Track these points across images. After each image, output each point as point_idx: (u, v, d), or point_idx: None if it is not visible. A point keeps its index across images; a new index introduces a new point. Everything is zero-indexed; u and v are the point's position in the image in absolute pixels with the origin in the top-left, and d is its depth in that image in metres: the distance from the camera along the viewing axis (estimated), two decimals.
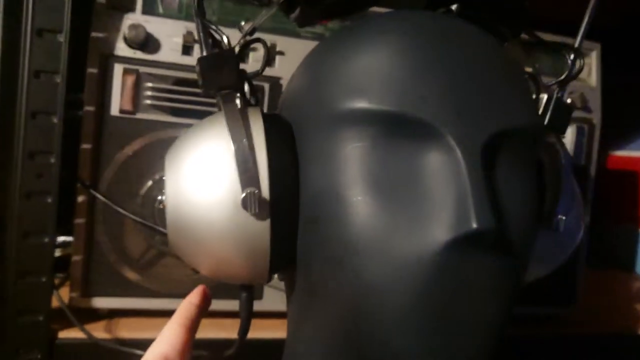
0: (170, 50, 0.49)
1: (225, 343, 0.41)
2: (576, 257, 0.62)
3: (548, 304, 0.62)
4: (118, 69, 0.48)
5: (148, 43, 0.48)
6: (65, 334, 0.46)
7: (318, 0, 0.32)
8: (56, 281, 0.49)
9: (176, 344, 0.31)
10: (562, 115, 0.38)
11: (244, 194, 0.28)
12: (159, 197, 0.48)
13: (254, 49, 0.51)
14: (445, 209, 0.26)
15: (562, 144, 0.37)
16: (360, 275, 0.26)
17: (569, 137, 0.60)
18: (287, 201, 0.29)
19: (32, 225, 0.44)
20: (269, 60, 0.33)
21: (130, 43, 0.48)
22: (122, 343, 0.46)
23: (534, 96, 0.35)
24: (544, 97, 0.38)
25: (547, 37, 0.42)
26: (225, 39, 0.32)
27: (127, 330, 0.48)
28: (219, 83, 0.31)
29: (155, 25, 0.49)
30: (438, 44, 0.28)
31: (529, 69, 0.39)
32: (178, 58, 0.49)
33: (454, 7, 0.35)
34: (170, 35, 0.49)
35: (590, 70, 0.63)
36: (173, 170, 0.30)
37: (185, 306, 0.33)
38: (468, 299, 0.26)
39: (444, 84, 0.27)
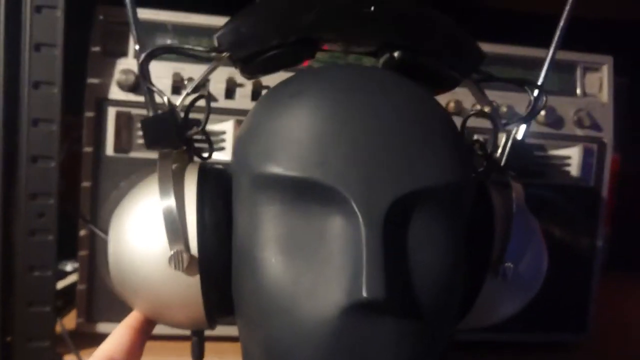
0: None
1: None
2: (588, 284, 0.59)
3: (558, 331, 0.60)
4: (112, 111, 0.51)
5: (139, 86, 0.51)
6: (69, 358, 0.50)
7: (250, 60, 0.33)
8: (67, 307, 0.54)
9: (123, 345, 0.32)
10: (520, 154, 0.37)
11: (171, 252, 0.30)
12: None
13: (241, 85, 0.53)
14: (343, 274, 0.26)
15: (517, 185, 0.35)
16: (269, 334, 0.28)
17: (575, 158, 0.57)
18: (216, 258, 0.31)
19: (36, 260, 0.48)
20: (208, 117, 0.34)
21: (122, 87, 0.51)
22: None
23: (474, 145, 0.35)
24: (503, 137, 0.38)
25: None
26: (165, 100, 0.33)
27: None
28: (159, 142, 0.33)
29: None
30: (350, 105, 0.29)
31: (486, 109, 0.38)
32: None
33: (396, 54, 0.35)
34: (160, 76, 0.52)
35: (602, 85, 0.59)
36: (114, 227, 0.32)
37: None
38: (368, 355, 0.27)
39: (351, 147, 0.28)
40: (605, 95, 0.59)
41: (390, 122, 0.29)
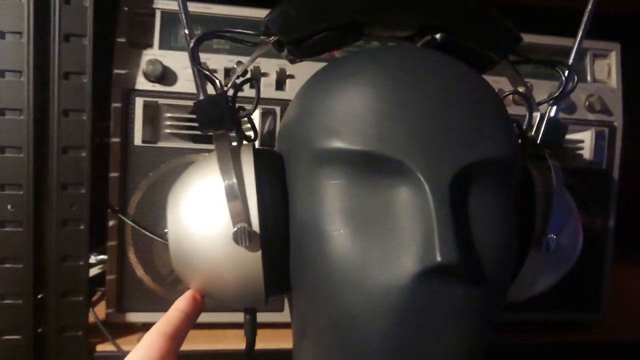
0: (185, 81, 0.52)
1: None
2: (601, 263, 0.61)
3: (571, 310, 0.61)
4: (139, 102, 0.51)
5: (165, 76, 0.52)
6: (102, 347, 0.51)
7: (299, 43, 0.34)
8: (97, 295, 0.54)
9: (153, 353, 0.30)
10: (556, 132, 0.39)
11: (235, 229, 0.30)
12: (165, 230, 0.51)
13: (265, 75, 0.54)
14: (414, 242, 0.27)
15: (555, 162, 0.37)
16: (339, 306, 0.29)
17: (587, 141, 0.59)
18: (276, 234, 0.31)
19: (69, 250, 0.49)
20: (258, 100, 0.35)
21: (148, 77, 0.51)
22: None
23: (513, 123, 0.36)
24: (537, 115, 0.39)
25: None
26: (217, 83, 0.34)
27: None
28: (212, 124, 0.34)
29: (171, 59, 0.52)
30: (407, 82, 0.30)
31: (521, 89, 0.39)
32: (193, 88, 0.52)
33: (438, 36, 0.36)
34: (186, 67, 0.52)
35: (610, 71, 0.61)
36: (173, 207, 0.33)
37: (171, 312, 0.33)
38: (438, 326, 0.28)
39: (413, 121, 0.29)
40: (614, 80, 0.61)
41: (447, 97, 0.30)
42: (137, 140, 0.52)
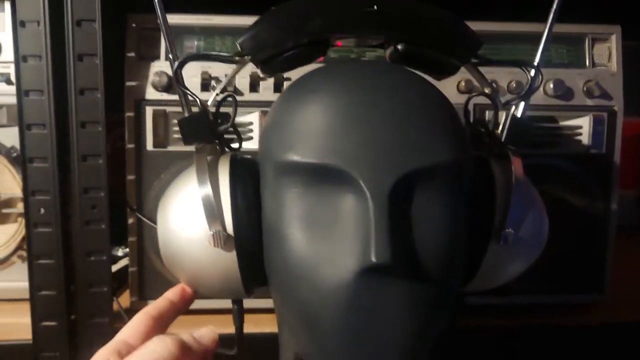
0: (191, 89, 0.56)
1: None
2: (604, 246, 0.62)
3: (575, 292, 0.63)
4: (149, 110, 0.56)
5: (172, 85, 0.56)
6: None
7: (269, 61, 0.37)
8: (121, 287, 0.60)
9: (139, 331, 0.35)
10: (521, 130, 0.40)
11: (211, 233, 0.35)
12: None
13: (264, 79, 0.57)
14: (356, 244, 0.31)
15: (517, 159, 0.39)
16: (298, 299, 0.33)
17: (585, 127, 0.60)
18: (249, 236, 0.35)
19: (93, 246, 0.55)
20: (235, 113, 0.39)
21: (156, 87, 0.56)
22: None
23: (462, 128, 0.37)
24: (503, 114, 0.41)
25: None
26: (198, 101, 0.38)
27: (177, 327, 0.58)
28: (194, 138, 0.38)
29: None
30: (358, 98, 0.33)
31: (487, 90, 0.41)
32: (198, 94, 0.56)
33: (400, 47, 0.38)
34: (190, 75, 0.56)
35: (611, 54, 0.61)
36: (160, 214, 0.37)
37: (159, 299, 0.38)
38: (383, 319, 0.31)
39: (360, 135, 0.32)
40: (614, 64, 0.61)
41: (394, 111, 0.33)
42: (149, 145, 0.57)
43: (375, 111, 0.32)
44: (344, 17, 0.37)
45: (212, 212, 0.35)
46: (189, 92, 0.38)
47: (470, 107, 0.58)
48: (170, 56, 0.39)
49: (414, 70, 0.37)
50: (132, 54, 0.57)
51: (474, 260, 0.38)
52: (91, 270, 0.55)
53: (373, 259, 0.29)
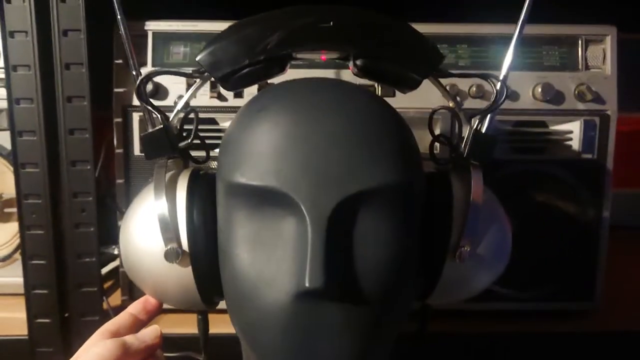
0: (176, 94, 0.58)
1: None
2: (595, 254, 0.61)
3: (567, 300, 0.62)
4: (136, 117, 0.58)
5: (158, 92, 0.57)
6: None
7: (227, 78, 0.38)
8: (115, 285, 0.62)
9: (122, 322, 0.38)
10: (483, 145, 0.40)
11: (166, 249, 0.36)
12: None
13: None
14: (294, 268, 0.31)
15: (477, 174, 0.38)
16: (241, 317, 0.33)
17: (576, 132, 0.58)
18: (204, 253, 0.36)
19: (83, 248, 0.57)
20: (197, 129, 0.40)
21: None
22: None
23: (412, 147, 0.36)
24: (467, 128, 0.41)
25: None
26: (159, 118, 0.39)
27: (167, 325, 0.60)
28: (155, 154, 0.39)
29: (163, 76, 0.57)
30: (304, 119, 0.33)
31: (450, 104, 0.41)
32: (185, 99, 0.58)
33: (358, 61, 0.38)
34: (176, 82, 0.57)
35: (605, 56, 0.59)
36: (122, 228, 0.39)
37: (121, 315, 0.40)
38: (321, 339, 0.32)
39: (304, 157, 0.32)
40: (609, 67, 0.59)
41: (339, 132, 0.33)
42: (137, 150, 0.58)
43: (320, 132, 0.33)
44: (300, 33, 0.37)
45: (167, 229, 0.36)
46: (150, 108, 0.39)
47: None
48: (134, 72, 0.40)
49: (367, 89, 0.37)
50: (119, 61, 0.58)
51: (430, 277, 0.38)
52: (82, 271, 0.57)
53: (307, 284, 0.30)
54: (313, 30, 0.37)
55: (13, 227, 0.66)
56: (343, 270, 0.32)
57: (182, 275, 0.37)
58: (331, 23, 0.37)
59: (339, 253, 0.32)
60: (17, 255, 0.66)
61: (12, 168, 0.64)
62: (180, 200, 0.37)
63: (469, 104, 0.58)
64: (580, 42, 0.59)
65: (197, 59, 0.38)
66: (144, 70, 0.58)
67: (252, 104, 0.36)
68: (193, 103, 0.56)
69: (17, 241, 0.66)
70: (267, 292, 0.32)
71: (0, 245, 0.67)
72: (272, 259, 0.33)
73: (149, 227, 0.37)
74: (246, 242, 0.33)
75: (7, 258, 0.66)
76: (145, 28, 0.58)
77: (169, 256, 0.36)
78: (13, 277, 0.66)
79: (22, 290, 0.63)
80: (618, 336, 0.61)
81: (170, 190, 0.37)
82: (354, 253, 0.32)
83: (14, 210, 0.65)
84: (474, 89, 0.57)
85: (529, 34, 0.59)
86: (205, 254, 0.36)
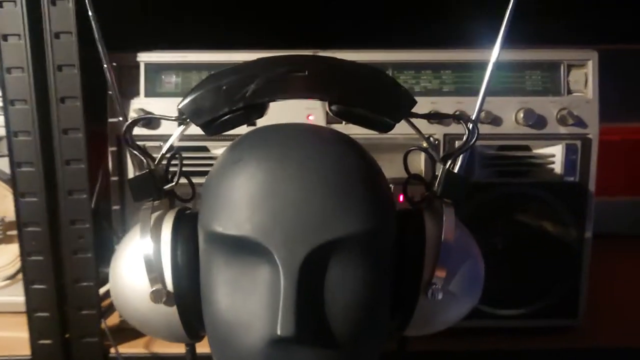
0: (169, 124, 0.59)
1: None
2: (578, 273, 0.62)
3: (551, 317, 0.63)
4: None
5: (151, 121, 0.59)
6: (114, 350, 0.62)
7: (208, 124, 0.40)
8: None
9: None
10: (455, 184, 0.41)
11: (152, 290, 0.38)
12: None
13: None
14: (268, 314, 0.33)
15: (450, 213, 0.40)
16: (221, 356, 0.36)
17: (558, 156, 0.60)
18: (188, 292, 0.38)
19: (81, 273, 0.59)
20: (180, 173, 0.42)
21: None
22: (154, 356, 0.60)
23: (385, 194, 0.38)
24: (440, 167, 0.42)
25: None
26: (145, 162, 0.41)
27: (161, 345, 0.62)
28: (142, 196, 0.41)
29: (156, 105, 0.59)
30: (278, 171, 0.35)
31: (424, 144, 0.43)
32: (174, 130, 0.59)
33: (333, 107, 0.40)
34: (168, 111, 0.59)
35: (587, 81, 0.60)
36: (112, 267, 0.41)
37: None
38: None
39: (277, 207, 0.34)
40: (590, 91, 0.60)
41: (310, 184, 0.34)
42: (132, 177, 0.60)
43: (292, 185, 0.34)
44: (277, 83, 0.39)
45: (153, 270, 0.38)
46: (136, 153, 0.41)
47: (440, 137, 0.59)
48: (120, 118, 0.42)
49: (344, 135, 0.39)
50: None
51: (405, 312, 0.40)
52: (81, 294, 0.60)
53: (278, 332, 0.32)
54: (288, 79, 0.38)
55: (16, 248, 0.69)
56: (314, 318, 0.34)
57: (168, 312, 0.39)
58: (306, 72, 0.38)
59: (310, 301, 0.33)
60: (20, 276, 0.69)
61: (12, 192, 0.66)
62: (164, 242, 0.39)
63: (452, 128, 0.59)
64: (562, 66, 0.60)
65: (179, 107, 0.40)
66: (137, 101, 0.60)
67: (229, 154, 0.38)
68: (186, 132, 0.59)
69: (19, 262, 0.69)
70: (243, 337, 0.34)
71: (4, 266, 0.69)
72: (248, 304, 0.35)
73: (135, 268, 0.39)
74: (224, 287, 0.35)
75: (11, 278, 0.69)
76: (138, 59, 0.60)
77: (155, 297, 0.38)
78: (16, 296, 0.69)
79: (23, 309, 0.66)
80: (601, 352, 0.63)
81: (155, 233, 0.39)
82: (325, 300, 0.34)
83: (16, 232, 0.68)
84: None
85: (511, 60, 0.60)
86: (189, 294, 0.38)
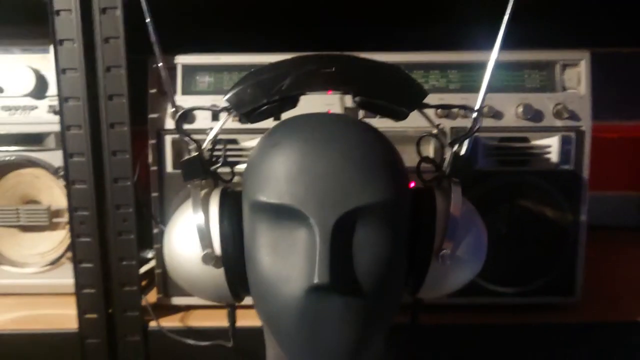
0: (203, 119, 0.66)
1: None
2: (574, 254, 0.68)
3: (550, 295, 0.69)
4: (168, 139, 0.67)
5: (187, 116, 0.66)
6: (153, 324, 0.68)
7: (249, 114, 0.46)
8: (150, 285, 0.72)
9: None
10: (462, 165, 0.48)
11: (203, 253, 0.44)
12: None
13: None
14: (306, 267, 0.40)
15: (457, 189, 0.46)
16: (264, 308, 0.42)
17: (555, 146, 0.66)
18: (233, 256, 0.45)
19: (124, 253, 0.66)
20: (225, 156, 0.48)
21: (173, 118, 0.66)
22: (190, 330, 0.67)
23: (401, 170, 0.44)
24: (449, 150, 0.49)
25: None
26: (194, 146, 0.48)
27: (198, 319, 0.69)
28: (191, 176, 0.48)
29: (191, 102, 0.66)
30: (312, 149, 0.41)
31: (434, 131, 0.49)
32: (209, 124, 0.66)
33: (356, 99, 0.47)
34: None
35: (580, 78, 0.67)
36: (166, 237, 0.47)
37: None
38: (328, 327, 0.40)
39: (312, 180, 0.40)
40: (583, 87, 0.66)
41: (338, 161, 0.41)
42: (169, 168, 0.67)
43: (322, 162, 0.41)
44: (308, 78, 0.45)
45: (204, 237, 0.44)
46: (188, 140, 0.48)
47: (447, 130, 0.66)
48: (174, 109, 0.48)
49: (363, 121, 0.45)
50: (153, 90, 0.67)
51: (419, 275, 0.46)
52: (123, 272, 0.66)
53: (316, 280, 0.38)
54: (318, 75, 0.45)
55: (60, 234, 0.76)
56: (344, 270, 0.40)
57: (215, 274, 0.45)
58: (333, 69, 0.45)
59: (340, 256, 0.40)
60: (63, 260, 0.75)
61: (59, 183, 0.73)
62: (213, 214, 0.45)
63: (458, 122, 0.66)
64: (557, 66, 0.67)
65: (225, 98, 0.47)
66: (176, 98, 0.67)
67: (267, 139, 0.44)
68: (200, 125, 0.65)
69: (63, 247, 0.75)
70: (284, 288, 0.41)
71: (48, 251, 0.76)
72: (288, 261, 0.41)
73: (188, 237, 0.46)
74: (267, 248, 0.42)
75: (55, 262, 0.75)
76: (175, 62, 0.67)
77: (206, 259, 0.44)
78: (59, 278, 0.75)
79: (66, 290, 0.73)
80: (596, 327, 0.68)
81: (204, 206, 0.45)
82: (353, 256, 0.41)
83: (61, 220, 0.75)
84: (462, 110, 0.65)
85: (511, 60, 0.66)
86: (234, 258, 0.45)
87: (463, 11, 0.80)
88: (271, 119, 0.48)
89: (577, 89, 0.67)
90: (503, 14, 0.49)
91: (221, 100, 0.66)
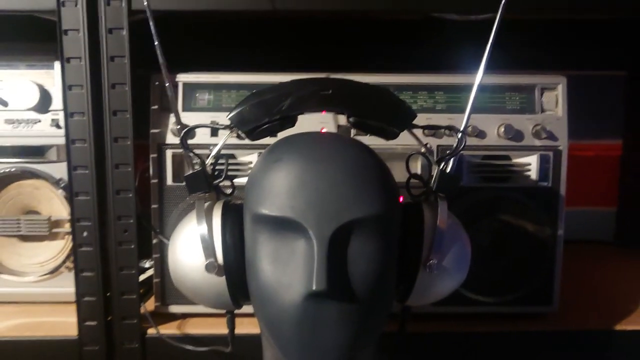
0: (202, 135, 0.69)
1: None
2: (552, 265, 0.72)
3: (529, 305, 0.73)
4: (169, 153, 0.70)
5: (187, 133, 0.69)
6: (151, 331, 0.70)
7: (251, 132, 0.50)
8: (147, 294, 0.74)
9: None
10: (448, 182, 0.52)
11: (206, 262, 0.48)
12: None
13: None
14: (304, 275, 0.43)
15: (443, 204, 0.50)
16: (264, 315, 0.45)
17: (534, 164, 0.70)
18: (234, 265, 0.48)
19: (124, 262, 0.68)
20: (227, 171, 0.51)
21: (175, 134, 0.69)
22: (187, 336, 0.69)
23: (393, 186, 0.48)
24: (435, 168, 0.52)
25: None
26: (198, 162, 0.51)
27: (193, 326, 0.71)
28: (195, 190, 0.51)
29: (192, 118, 0.69)
30: (311, 166, 0.45)
31: (422, 150, 0.53)
32: (208, 139, 0.69)
33: (351, 119, 0.50)
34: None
35: (557, 101, 0.71)
36: (171, 246, 0.50)
37: None
38: (325, 330, 0.43)
39: (311, 194, 0.44)
40: (560, 110, 0.71)
41: (335, 178, 0.44)
42: (169, 180, 0.70)
43: (322, 177, 0.44)
44: (307, 99, 0.49)
45: (207, 247, 0.48)
46: (192, 155, 0.51)
47: (434, 148, 0.70)
48: (179, 126, 0.52)
49: (357, 139, 0.49)
50: (155, 107, 0.70)
51: (408, 284, 0.49)
52: (123, 281, 0.69)
53: (314, 287, 0.41)
54: (316, 96, 0.49)
55: (59, 244, 0.78)
56: (340, 278, 0.43)
57: (217, 282, 0.48)
58: (330, 91, 0.49)
59: (337, 265, 0.43)
60: (62, 269, 0.77)
61: (59, 194, 0.76)
62: (216, 226, 0.48)
63: (444, 140, 0.70)
64: (536, 89, 0.71)
65: (228, 117, 0.50)
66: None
67: (269, 155, 0.48)
68: (215, 141, 0.69)
69: (62, 257, 0.78)
70: (284, 295, 0.44)
71: (47, 260, 0.78)
72: (287, 269, 0.44)
73: (192, 246, 0.49)
74: (268, 257, 0.45)
75: (54, 271, 0.77)
76: (177, 80, 0.70)
77: (209, 268, 0.47)
78: (57, 287, 0.78)
79: (64, 299, 0.75)
80: (573, 334, 0.72)
81: (208, 218, 0.49)
82: (348, 265, 0.44)
83: (60, 230, 0.77)
84: (448, 130, 0.69)
85: (494, 83, 0.71)
86: (235, 266, 0.48)
87: (449, 35, 0.85)
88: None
89: (554, 110, 0.71)
90: (487, 38, 0.53)
91: (220, 117, 0.70)
